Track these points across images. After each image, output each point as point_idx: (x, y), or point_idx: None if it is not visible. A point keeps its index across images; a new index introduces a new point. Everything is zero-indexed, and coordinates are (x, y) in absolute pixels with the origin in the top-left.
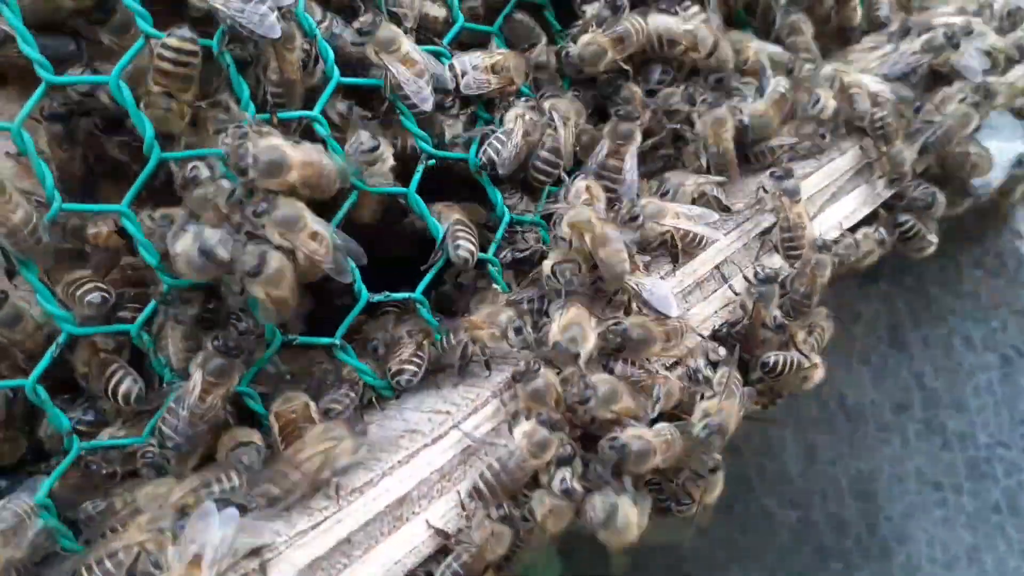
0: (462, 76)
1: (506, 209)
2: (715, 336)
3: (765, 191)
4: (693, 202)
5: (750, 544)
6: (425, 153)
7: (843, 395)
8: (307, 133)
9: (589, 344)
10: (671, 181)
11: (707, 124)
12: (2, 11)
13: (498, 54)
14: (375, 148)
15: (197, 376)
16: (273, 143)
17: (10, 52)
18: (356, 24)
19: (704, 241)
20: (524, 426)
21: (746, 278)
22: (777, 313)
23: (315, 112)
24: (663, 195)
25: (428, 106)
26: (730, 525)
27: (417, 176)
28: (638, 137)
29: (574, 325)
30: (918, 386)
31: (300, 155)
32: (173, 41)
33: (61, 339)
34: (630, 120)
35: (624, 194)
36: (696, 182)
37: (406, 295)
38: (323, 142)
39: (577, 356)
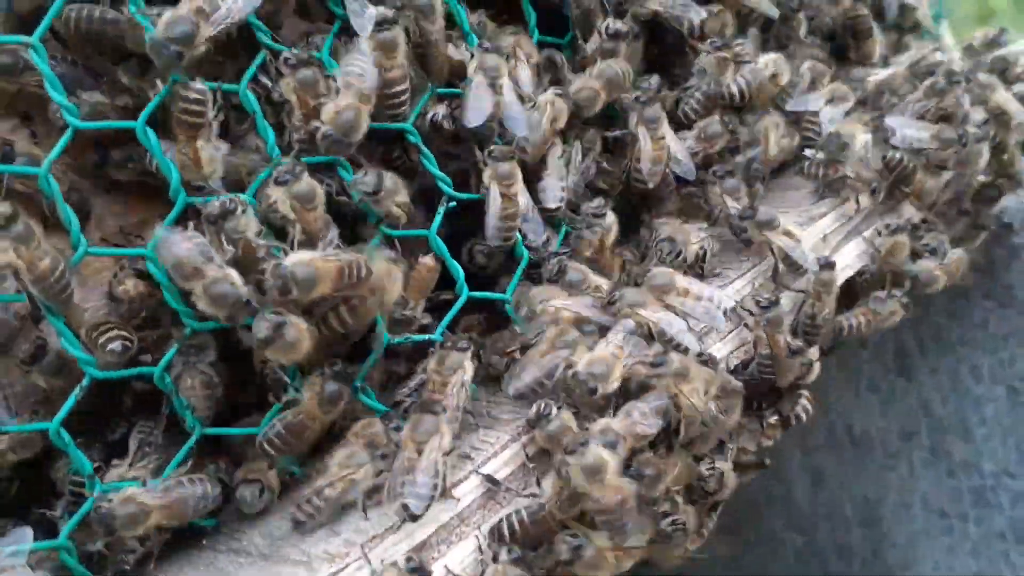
0: None
1: (465, 286)
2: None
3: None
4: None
5: (755, 566)
6: (446, 196)
7: (850, 422)
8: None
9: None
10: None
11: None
12: (32, 56)
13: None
14: (376, 191)
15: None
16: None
17: (27, 80)
18: None
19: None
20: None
21: (749, 310)
22: (789, 338)
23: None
24: (667, 255)
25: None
26: (736, 547)
27: (438, 219)
28: None
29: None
30: (925, 414)
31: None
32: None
33: (84, 383)
34: None
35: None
36: (699, 238)
37: (427, 337)
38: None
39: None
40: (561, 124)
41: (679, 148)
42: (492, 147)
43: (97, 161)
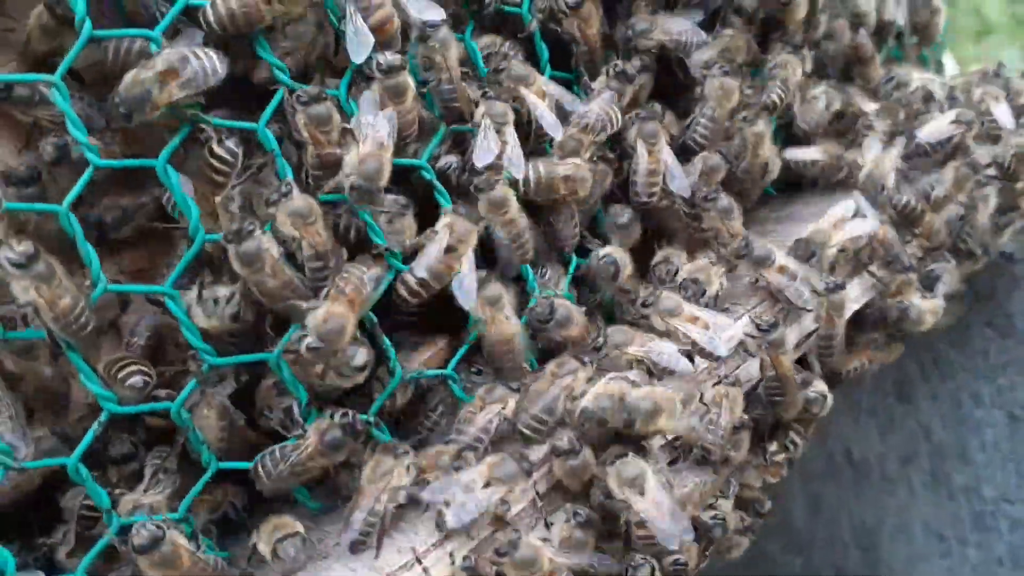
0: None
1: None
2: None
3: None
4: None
5: None
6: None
7: (849, 447)
8: None
9: None
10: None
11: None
12: (53, 95)
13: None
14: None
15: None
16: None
17: (41, 114)
18: None
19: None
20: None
21: (750, 335)
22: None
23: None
24: (691, 296)
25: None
26: (732, 568)
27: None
28: None
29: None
30: (925, 439)
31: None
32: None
33: (103, 418)
34: None
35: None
36: (719, 274)
37: (439, 372)
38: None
39: None
40: None
41: (675, 164)
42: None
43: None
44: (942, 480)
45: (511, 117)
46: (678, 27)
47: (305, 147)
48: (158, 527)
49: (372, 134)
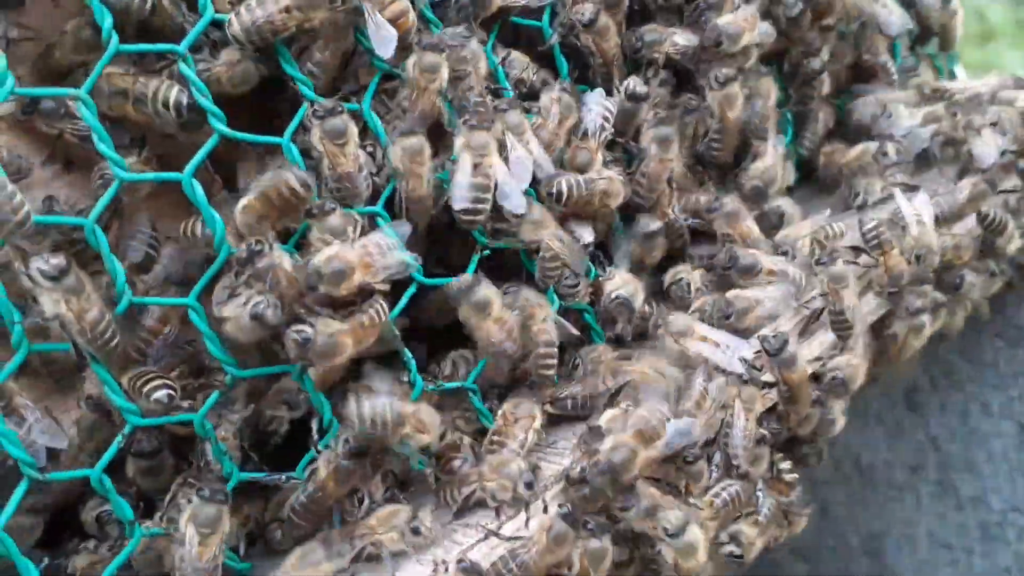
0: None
1: None
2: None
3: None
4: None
5: None
6: (480, 244)
7: (857, 455)
8: None
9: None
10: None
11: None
12: (80, 109)
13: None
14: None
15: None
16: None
17: (66, 127)
18: None
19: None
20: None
21: (765, 350)
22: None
23: (378, 207)
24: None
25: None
26: (737, 574)
27: (472, 266)
28: None
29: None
30: (933, 448)
31: (358, 256)
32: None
33: (126, 430)
34: None
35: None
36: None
37: (458, 384)
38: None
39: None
40: None
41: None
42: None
43: None
44: (950, 490)
45: (494, 147)
46: (685, 40)
47: (321, 161)
48: None
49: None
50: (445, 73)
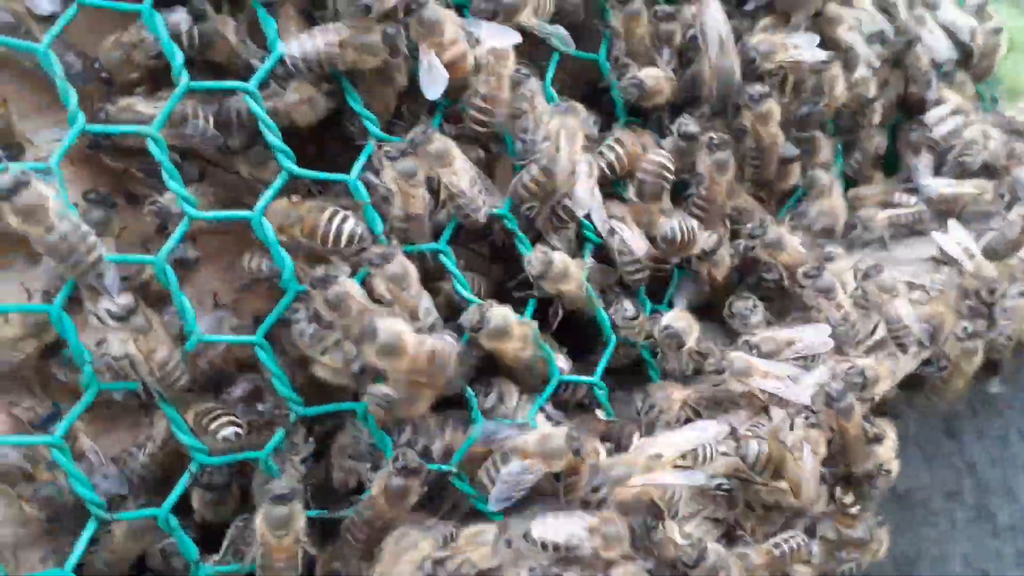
0: None
1: (557, 369)
2: None
3: None
4: None
5: None
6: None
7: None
8: None
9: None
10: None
11: None
12: (151, 146)
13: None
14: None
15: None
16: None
17: (131, 163)
18: None
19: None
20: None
21: (827, 398)
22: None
23: (441, 244)
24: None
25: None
26: None
27: (529, 310)
28: None
29: None
30: (970, 474)
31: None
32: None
33: (193, 468)
34: None
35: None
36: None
37: (517, 421)
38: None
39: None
40: None
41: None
42: None
43: None
44: (986, 516)
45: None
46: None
47: (392, 200)
48: None
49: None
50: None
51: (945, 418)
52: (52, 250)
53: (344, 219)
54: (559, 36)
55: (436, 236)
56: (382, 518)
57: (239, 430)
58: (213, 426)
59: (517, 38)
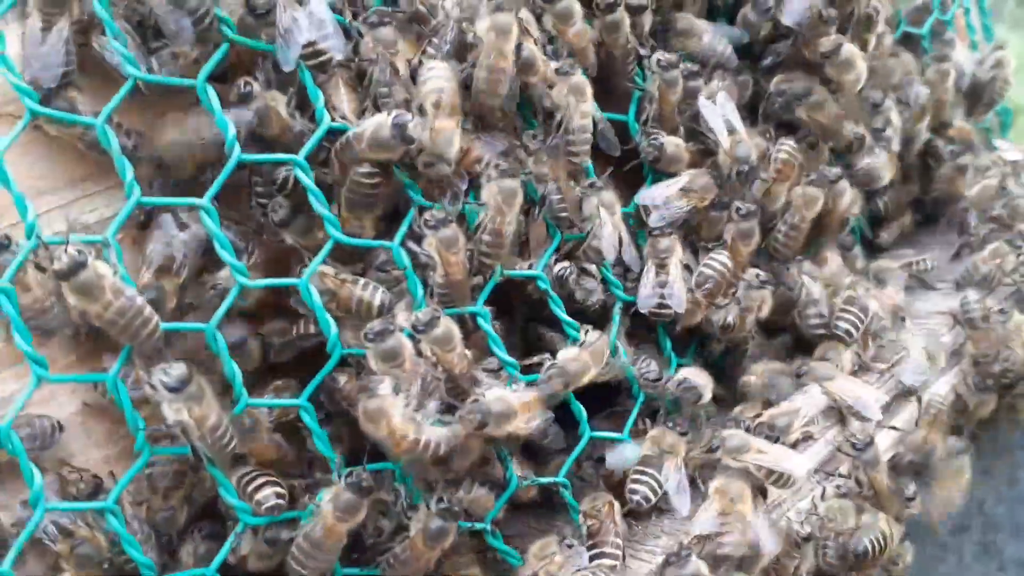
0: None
1: (587, 427)
2: None
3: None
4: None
5: None
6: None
7: None
8: None
9: None
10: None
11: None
12: (203, 218)
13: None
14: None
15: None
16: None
17: None
18: None
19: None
20: None
21: (845, 452)
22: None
23: (478, 307)
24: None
25: None
26: None
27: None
28: None
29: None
30: (978, 511)
31: None
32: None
33: (239, 529)
34: None
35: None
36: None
37: (551, 480)
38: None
39: None
40: None
41: None
42: None
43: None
44: (993, 551)
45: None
46: None
47: (433, 267)
48: None
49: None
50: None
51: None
52: (110, 325)
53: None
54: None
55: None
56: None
57: (280, 495)
58: (251, 488)
59: None
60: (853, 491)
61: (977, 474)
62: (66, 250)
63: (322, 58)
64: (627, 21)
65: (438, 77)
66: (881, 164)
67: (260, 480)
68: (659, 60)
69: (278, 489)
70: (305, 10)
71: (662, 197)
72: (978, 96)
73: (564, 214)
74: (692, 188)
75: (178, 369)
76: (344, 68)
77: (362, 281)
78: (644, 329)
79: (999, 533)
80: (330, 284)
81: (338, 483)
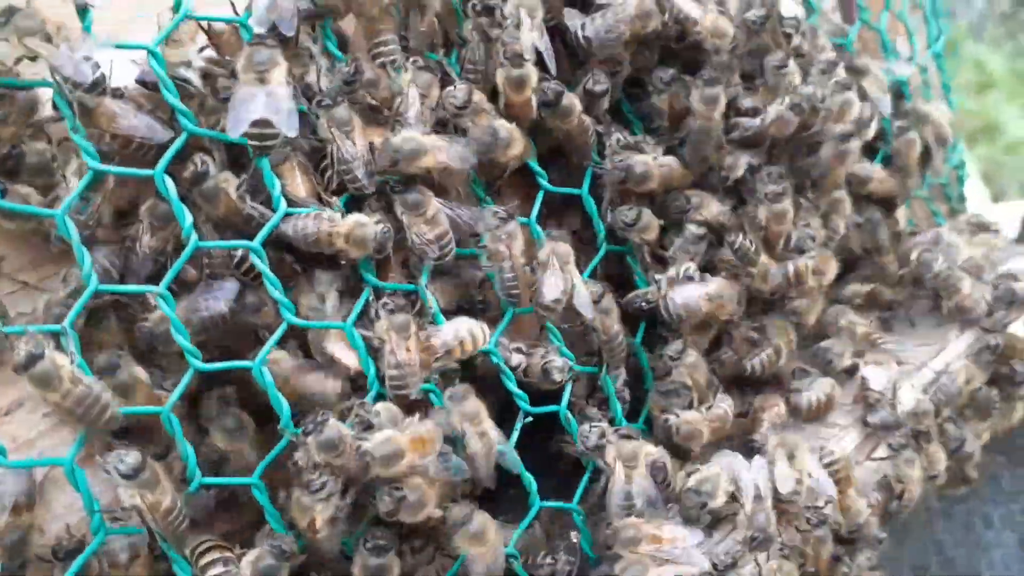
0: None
1: (536, 499)
2: None
3: None
4: None
5: None
6: (523, 411)
7: None
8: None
9: None
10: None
11: None
12: (160, 304)
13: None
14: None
15: None
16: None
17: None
18: None
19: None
20: None
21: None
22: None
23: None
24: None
25: None
26: None
27: (514, 435)
28: None
29: None
30: (937, 552)
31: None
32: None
33: None
34: None
35: None
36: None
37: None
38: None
39: None
40: None
41: None
42: None
43: None
44: None
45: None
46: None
47: (382, 352)
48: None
49: None
50: None
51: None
52: (68, 413)
53: None
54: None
55: None
56: None
57: (228, 571)
58: (202, 562)
59: None
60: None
61: (938, 517)
62: (25, 341)
63: (271, 134)
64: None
65: None
66: None
67: (212, 555)
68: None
69: (230, 568)
70: (264, 89)
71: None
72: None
73: (516, 291)
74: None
75: (132, 457)
76: (298, 152)
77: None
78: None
79: (956, 575)
80: (282, 370)
81: (262, 546)
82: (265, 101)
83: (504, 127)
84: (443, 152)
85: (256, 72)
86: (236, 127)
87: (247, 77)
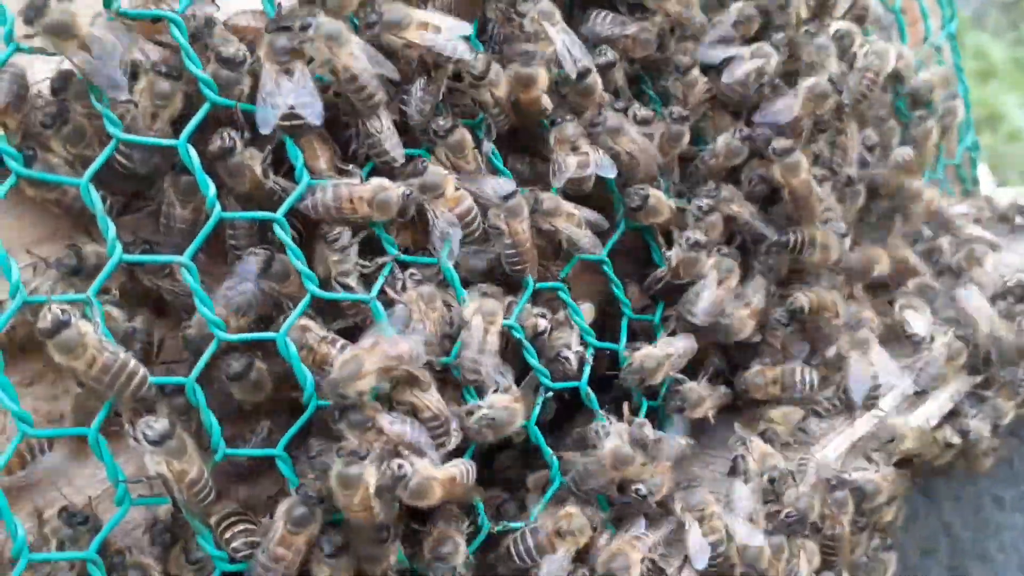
0: None
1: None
2: None
3: None
4: None
5: None
6: (543, 386)
7: None
8: None
9: None
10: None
11: None
12: (184, 274)
13: None
14: None
15: None
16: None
17: (164, 284)
18: None
19: None
20: None
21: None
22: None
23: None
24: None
25: None
26: None
27: (536, 409)
28: None
29: None
30: (946, 534)
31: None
32: None
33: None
34: None
35: None
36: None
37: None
38: None
39: None
40: None
41: None
42: None
43: None
44: (961, 575)
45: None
46: None
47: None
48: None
49: None
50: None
51: (922, 481)
52: (96, 381)
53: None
54: None
55: None
56: None
57: (251, 541)
58: (227, 535)
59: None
60: None
61: (947, 499)
62: (50, 308)
63: (297, 122)
64: None
65: None
66: None
67: (237, 527)
68: None
69: (252, 539)
70: (290, 78)
71: None
72: None
73: (519, 266)
74: None
75: (160, 423)
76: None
77: (340, 342)
78: None
79: (966, 557)
80: (310, 341)
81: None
82: (291, 89)
83: None
84: None
85: (279, 62)
86: (265, 122)
87: (271, 67)
